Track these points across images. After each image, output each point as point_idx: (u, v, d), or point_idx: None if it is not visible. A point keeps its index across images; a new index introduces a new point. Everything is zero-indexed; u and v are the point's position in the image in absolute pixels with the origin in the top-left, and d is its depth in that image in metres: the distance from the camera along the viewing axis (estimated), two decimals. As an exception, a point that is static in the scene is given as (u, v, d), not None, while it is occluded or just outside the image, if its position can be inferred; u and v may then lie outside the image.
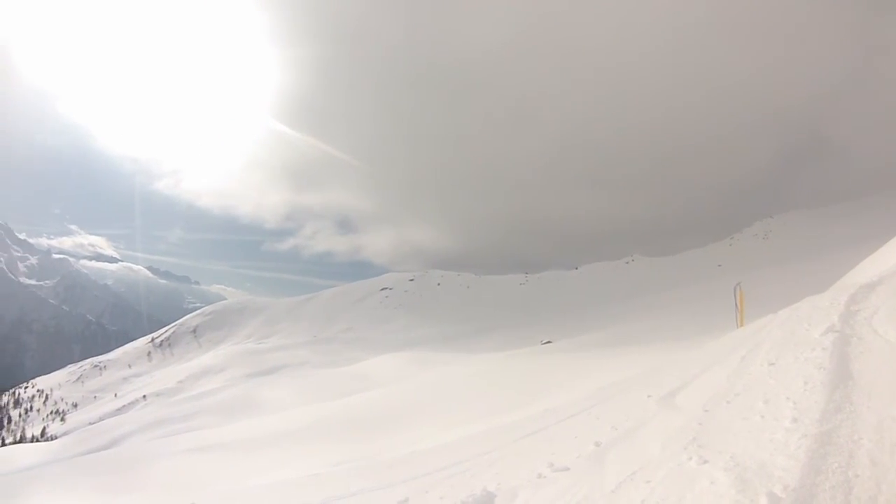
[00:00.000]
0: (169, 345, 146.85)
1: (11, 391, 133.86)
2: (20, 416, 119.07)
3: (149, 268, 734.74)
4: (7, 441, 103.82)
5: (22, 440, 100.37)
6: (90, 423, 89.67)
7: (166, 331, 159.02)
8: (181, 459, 30.05)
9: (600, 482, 6.53)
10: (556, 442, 10.05)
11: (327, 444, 27.57)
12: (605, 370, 26.06)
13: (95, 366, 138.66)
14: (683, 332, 31.62)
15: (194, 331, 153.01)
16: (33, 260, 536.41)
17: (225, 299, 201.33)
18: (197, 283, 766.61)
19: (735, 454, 5.01)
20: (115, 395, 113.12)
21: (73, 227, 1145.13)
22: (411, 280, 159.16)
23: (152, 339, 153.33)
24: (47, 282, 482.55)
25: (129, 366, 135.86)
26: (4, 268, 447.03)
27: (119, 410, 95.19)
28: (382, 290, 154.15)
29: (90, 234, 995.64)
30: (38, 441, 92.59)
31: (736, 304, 18.76)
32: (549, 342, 58.02)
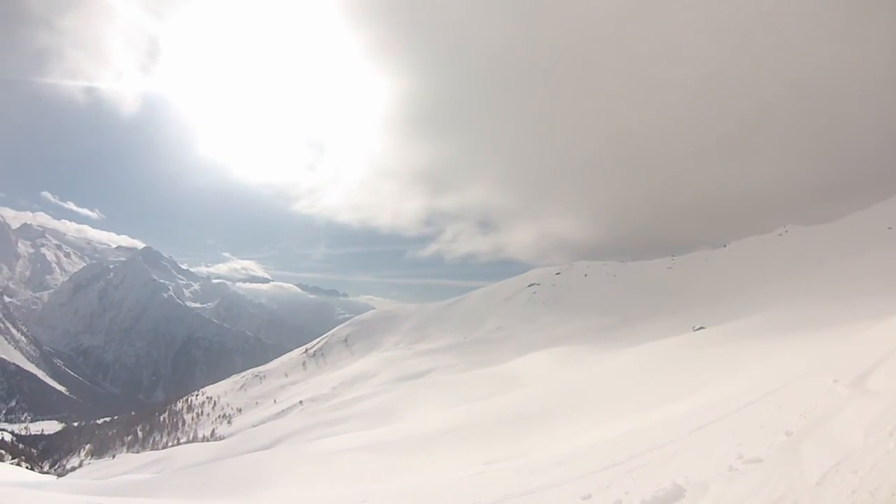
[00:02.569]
0: (322, 354, 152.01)
1: (185, 398, 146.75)
2: (192, 419, 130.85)
3: (298, 285, 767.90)
4: (182, 440, 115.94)
5: (194, 440, 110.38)
6: (253, 426, 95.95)
7: (319, 341, 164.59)
8: (338, 458, 31.03)
9: (800, 474, 6.20)
10: (740, 432, 9.56)
11: (479, 443, 27.72)
12: (770, 356, 24.48)
13: (256, 375, 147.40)
14: (856, 310, 29.06)
15: (345, 340, 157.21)
16: (196, 286, 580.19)
17: (373, 309, 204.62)
18: (345, 295, 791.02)
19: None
20: (275, 401, 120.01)
21: (226, 254, 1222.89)
22: (557, 274, 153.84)
23: (306, 350, 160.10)
24: (209, 304, 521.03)
25: (286, 375, 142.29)
26: (173, 294, 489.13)
27: (278, 415, 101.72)
28: (530, 286, 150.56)
29: (242, 259, 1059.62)
30: (207, 440, 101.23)
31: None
32: (701, 328, 55.48)
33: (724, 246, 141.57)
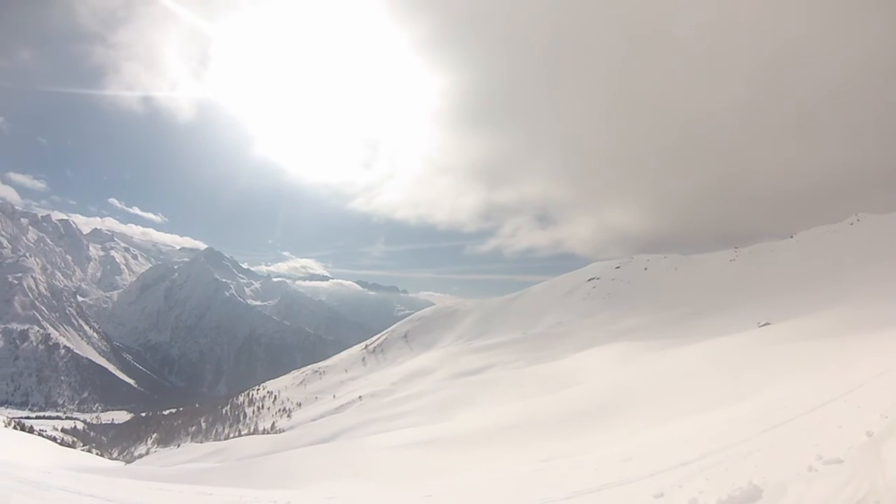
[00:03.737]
0: (382, 350, 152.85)
1: (246, 392, 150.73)
2: (253, 412, 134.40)
3: (358, 282, 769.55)
4: (243, 432, 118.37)
5: (255, 432, 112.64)
6: (312, 420, 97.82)
7: (379, 338, 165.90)
8: (396, 453, 31.41)
9: (883, 476, 6.09)
10: (817, 432, 9.33)
11: (536, 439, 27.57)
12: (844, 355, 23.71)
13: (316, 371, 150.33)
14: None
15: (405, 336, 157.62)
16: (257, 285, 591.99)
17: (433, 305, 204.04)
18: (405, 291, 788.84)
19: None
20: (334, 396, 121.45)
21: (286, 253, 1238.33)
22: (617, 268, 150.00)
23: (366, 346, 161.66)
24: (270, 302, 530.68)
25: (346, 370, 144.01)
26: (235, 293, 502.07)
27: (337, 409, 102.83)
28: (589, 280, 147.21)
29: (301, 257, 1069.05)
30: (267, 433, 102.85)
31: None
32: (767, 324, 53.97)
33: (791, 237, 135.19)
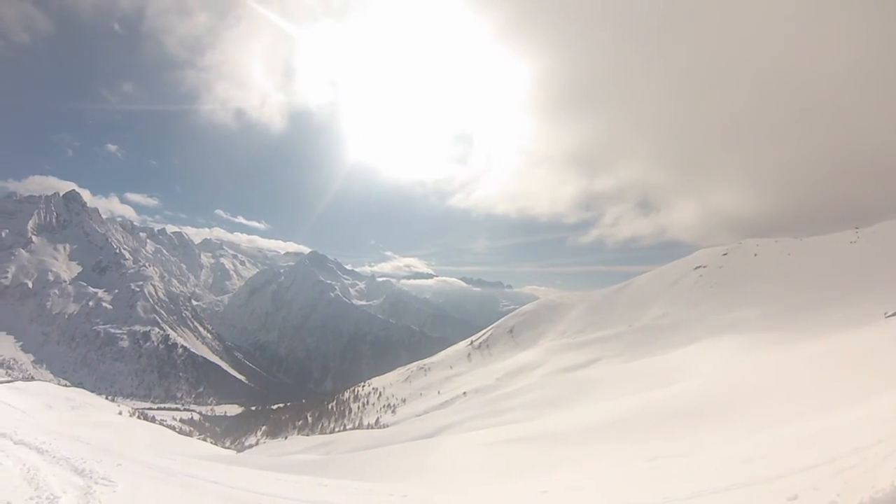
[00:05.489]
0: (487, 346, 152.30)
1: (352, 389, 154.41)
2: (358, 408, 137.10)
3: (462, 278, 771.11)
4: (348, 427, 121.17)
5: (359, 427, 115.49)
6: (416, 416, 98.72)
7: (484, 333, 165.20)
8: (501, 448, 31.26)
9: None
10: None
11: (642, 437, 26.81)
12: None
13: (421, 368, 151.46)
14: None
15: (511, 331, 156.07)
16: (361, 285, 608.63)
17: (537, 299, 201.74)
18: (509, 286, 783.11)
19: None
20: (438, 392, 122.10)
21: (388, 252, 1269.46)
22: (725, 254, 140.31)
23: (471, 342, 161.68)
24: (374, 301, 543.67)
25: (451, 367, 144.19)
26: (340, 294, 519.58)
27: (441, 405, 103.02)
28: (696, 268, 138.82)
29: (404, 256, 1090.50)
30: (372, 428, 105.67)
31: None
32: (894, 314, 50.50)
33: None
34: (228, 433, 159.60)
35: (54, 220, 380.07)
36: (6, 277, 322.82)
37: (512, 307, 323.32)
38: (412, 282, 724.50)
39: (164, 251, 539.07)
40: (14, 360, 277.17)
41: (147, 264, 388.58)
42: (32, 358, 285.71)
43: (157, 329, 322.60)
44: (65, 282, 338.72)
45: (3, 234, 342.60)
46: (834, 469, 9.17)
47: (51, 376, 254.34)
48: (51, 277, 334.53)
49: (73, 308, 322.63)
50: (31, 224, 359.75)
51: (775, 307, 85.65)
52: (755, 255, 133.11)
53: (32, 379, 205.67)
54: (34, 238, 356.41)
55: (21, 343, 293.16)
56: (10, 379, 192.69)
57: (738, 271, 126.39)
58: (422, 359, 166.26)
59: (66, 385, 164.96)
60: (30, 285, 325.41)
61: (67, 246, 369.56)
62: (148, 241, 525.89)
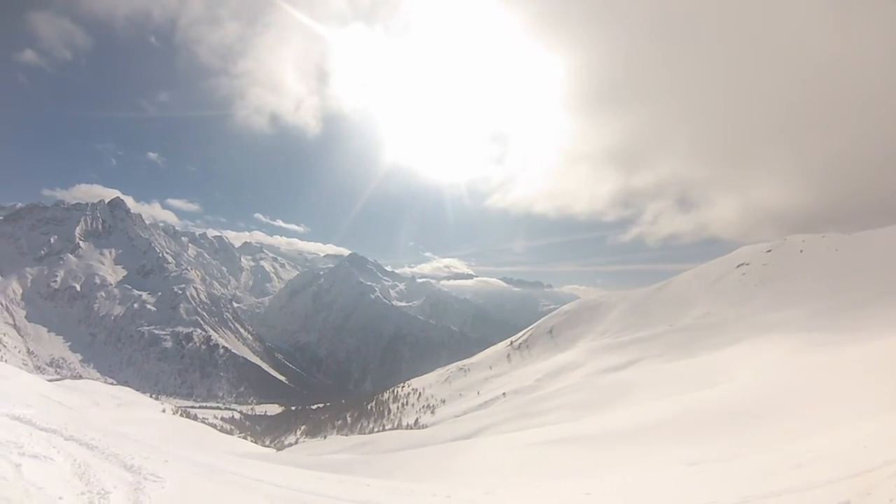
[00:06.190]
0: (527, 346, 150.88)
1: (391, 389, 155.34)
2: (398, 408, 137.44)
3: (502, 279, 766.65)
4: (387, 427, 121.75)
5: (398, 427, 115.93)
6: (455, 416, 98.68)
7: (524, 334, 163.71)
8: (540, 450, 31.25)
9: None
10: None
11: (683, 439, 26.44)
12: None
13: (460, 368, 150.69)
14: None
15: (550, 331, 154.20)
16: (401, 286, 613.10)
17: (578, 298, 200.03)
18: (549, 286, 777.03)
19: None
20: (478, 392, 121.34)
21: (428, 254, 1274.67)
22: (768, 251, 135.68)
23: (511, 343, 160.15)
24: (415, 302, 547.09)
25: (490, 367, 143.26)
26: (380, 295, 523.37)
27: (481, 406, 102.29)
28: (739, 266, 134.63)
29: (443, 257, 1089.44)
30: (411, 428, 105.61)
31: None
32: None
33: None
34: (268, 432, 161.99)
35: (100, 227, 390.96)
36: (56, 281, 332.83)
37: (552, 307, 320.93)
38: (452, 282, 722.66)
39: (206, 255, 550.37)
40: (63, 359, 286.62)
41: (189, 268, 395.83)
42: (80, 357, 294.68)
43: (199, 330, 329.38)
44: (111, 285, 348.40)
45: (53, 241, 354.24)
46: (888, 473, 8.78)
47: (98, 375, 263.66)
48: (97, 281, 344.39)
49: (118, 310, 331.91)
50: (78, 230, 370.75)
51: (822, 306, 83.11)
52: (801, 251, 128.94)
53: (80, 377, 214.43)
54: (81, 244, 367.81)
55: (70, 343, 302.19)
56: (59, 377, 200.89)
57: (783, 269, 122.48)
58: (461, 359, 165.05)
59: (112, 383, 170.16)
60: (78, 288, 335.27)
61: (113, 251, 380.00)
62: (189, 245, 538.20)
